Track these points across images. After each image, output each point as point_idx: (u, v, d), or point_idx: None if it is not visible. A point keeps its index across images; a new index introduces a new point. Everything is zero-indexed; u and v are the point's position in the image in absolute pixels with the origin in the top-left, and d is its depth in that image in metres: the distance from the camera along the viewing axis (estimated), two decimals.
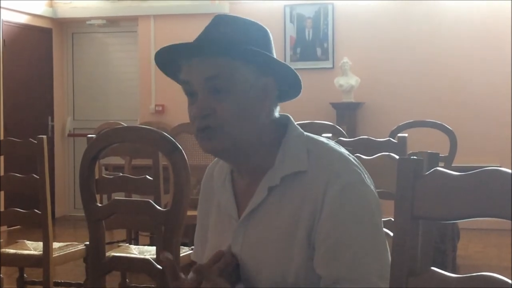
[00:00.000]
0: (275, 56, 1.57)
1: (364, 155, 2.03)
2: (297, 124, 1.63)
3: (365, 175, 1.54)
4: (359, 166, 1.54)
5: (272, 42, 1.60)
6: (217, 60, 1.49)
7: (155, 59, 1.58)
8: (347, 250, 1.45)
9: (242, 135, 1.51)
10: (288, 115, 1.62)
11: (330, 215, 1.47)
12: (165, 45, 1.53)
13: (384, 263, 1.45)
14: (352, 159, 1.55)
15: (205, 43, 1.52)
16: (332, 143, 1.58)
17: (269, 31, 1.60)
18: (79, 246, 3.99)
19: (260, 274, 1.53)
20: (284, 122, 1.59)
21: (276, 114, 1.58)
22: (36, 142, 3.53)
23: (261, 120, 1.53)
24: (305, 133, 1.60)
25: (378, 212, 1.51)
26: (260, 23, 1.60)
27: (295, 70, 1.58)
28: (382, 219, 1.55)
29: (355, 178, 1.50)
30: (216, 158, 1.68)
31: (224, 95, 1.49)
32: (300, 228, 1.49)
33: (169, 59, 1.56)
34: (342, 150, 1.57)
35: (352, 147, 1.89)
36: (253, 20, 1.60)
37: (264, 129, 1.55)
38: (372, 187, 1.53)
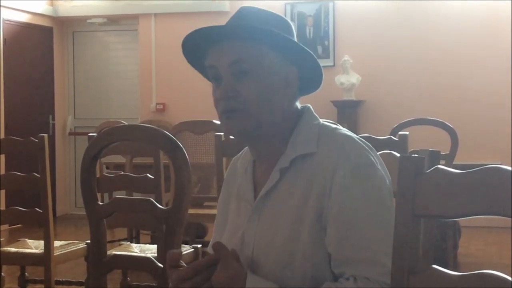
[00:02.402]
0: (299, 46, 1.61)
1: None
2: None
3: (377, 160, 1.55)
4: (370, 151, 1.56)
5: (295, 34, 1.64)
6: (243, 45, 1.54)
7: (182, 45, 1.61)
8: (355, 230, 1.47)
9: (263, 118, 1.55)
10: (309, 106, 1.67)
11: (339, 195, 1.49)
12: (192, 31, 1.58)
13: (390, 244, 1.46)
14: (364, 144, 1.57)
15: (233, 27, 1.56)
16: (346, 130, 1.61)
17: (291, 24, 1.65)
18: (80, 244, 4.00)
19: (269, 257, 1.55)
20: (302, 112, 1.63)
21: (298, 105, 1.64)
22: (37, 140, 3.53)
23: (283, 107, 1.58)
24: (323, 121, 1.63)
25: (389, 194, 1.53)
26: (282, 16, 1.65)
27: (318, 62, 1.63)
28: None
29: (364, 160, 1.52)
30: (242, 150, 1.74)
31: (249, 79, 1.54)
32: (309, 209, 1.51)
33: (195, 45, 1.60)
34: (355, 136, 1.60)
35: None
36: (276, 13, 1.64)
37: (284, 116, 1.59)
38: (383, 171, 1.55)
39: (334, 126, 1.62)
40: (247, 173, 1.67)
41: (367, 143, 1.59)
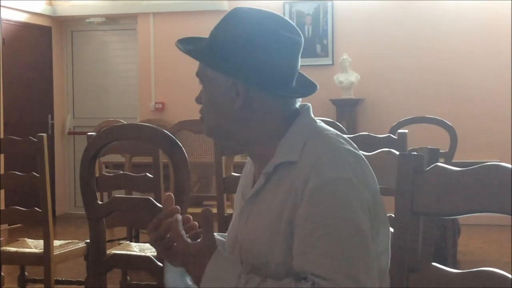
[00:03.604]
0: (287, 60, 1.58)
1: (364, 151, 2.03)
2: None
3: (359, 173, 1.49)
4: (352, 163, 1.50)
5: (280, 42, 1.57)
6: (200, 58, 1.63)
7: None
8: (316, 245, 1.42)
9: (215, 125, 1.63)
10: (309, 105, 1.65)
11: (305, 208, 1.46)
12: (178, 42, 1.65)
13: (356, 264, 1.41)
14: (350, 154, 1.52)
15: (180, 46, 1.63)
16: (338, 138, 1.56)
17: (280, 30, 1.58)
18: (79, 244, 4.00)
19: (250, 258, 1.56)
20: (298, 113, 1.61)
21: (293, 104, 1.62)
22: (36, 140, 3.53)
23: (243, 114, 1.58)
24: (319, 124, 1.60)
25: (362, 212, 1.45)
26: (270, 21, 1.58)
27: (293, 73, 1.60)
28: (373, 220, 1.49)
29: (338, 175, 1.46)
30: None
31: (204, 88, 1.64)
32: (284, 218, 1.50)
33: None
34: (346, 146, 1.54)
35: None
36: (280, 17, 1.61)
37: (263, 122, 1.59)
38: (363, 186, 1.48)
39: (326, 132, 1.57)
40: (250, 172, 1.70)
41: (355, 151, 1.54)
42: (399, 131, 3.27)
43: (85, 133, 5.00)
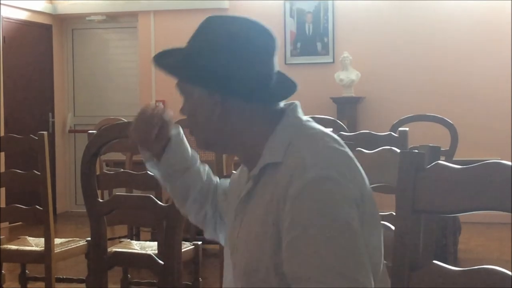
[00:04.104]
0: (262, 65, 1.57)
1: (365, 149, 2.03)
2: None
3: (343, 172, 1.45)
4: (341, 162, 1.47)
5: (252, 47, 1.56)
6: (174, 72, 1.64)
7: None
8: (303, 248, 1.39)
9: (203, 137, 1.64)
10: (295, 103, 1.61)
11: (289, 212, 1.43)
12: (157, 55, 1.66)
13: (347, 262, 1.38)
14: (337, 155, 1.49)
15: (156, 62, 1.63)
16: (324, 137, 1.53)
17: (252, 35, 1.57)
18: (80, 242, 4.00)
19: (241, 263, 1.55)
20: (283, 113, 1.58)
21: (276, 106, 1.59)
22: (37, 138, 3.53)
23: (224, 124, 1.58)
24: (304, 123, 1.57)
25: (349, 208, 1.42)
26: (240, 28, 1.57)
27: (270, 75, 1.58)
28: (364, 215, 1.46)
29: (321, 174, 1.42)
30: None
31: (185, 101, 1.65)
32: (270, 220, 1.48)
33: None
34: (332, 144, 1.51)
35: (353, 142, 1.89)
36: (251, 22, 1.59)
37: (246, 128, 1.58)
38: (348, 183, 1.44)
39: (311, 131, 1.54)
40: (242, 176, 1.69)
41: (341, 149, 1.50)
42: (400, 129, 3.27)
43: (85, 131, 5.00)
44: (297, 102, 1.62)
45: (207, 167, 1.86)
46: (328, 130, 1.58)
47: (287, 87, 1.62)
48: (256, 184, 1.56)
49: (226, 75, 1.54)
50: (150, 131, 1.74)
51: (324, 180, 1.42)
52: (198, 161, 1.83)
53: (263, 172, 1.54)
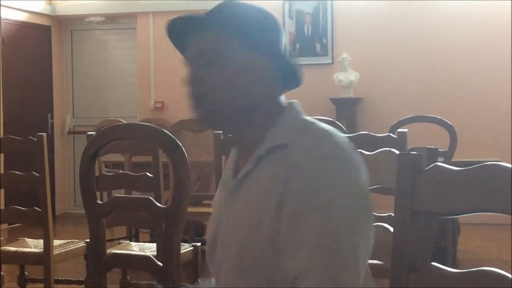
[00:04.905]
0: (282, 46, 1.60)
1: (364, 150, 2.03)
2: None
3: (353, 156, 1.47)
4: (351, 148, 1.49)
5: (280, 31, 1.63)
6: (207, 35, 1.59)
7: (169, 37, 1.71)
8: (308, 239, 1.38)
9: (224, 106, 1.55)
10: (296, 101, 1.63)
11: (297, 181, 1.42)
12: (168, 24, 1.66)
13: (353, 254, 1.37)
14: (347, 142, 1.50)
15: (192, 16, 1.61)
16: (330, 128, 1.53)
17: (279, 21, 1.64)
18: (79, 243, 3.99)
19: (231, 252, 1.52)
20: (287, 107, 1.60)
21: (281, 97, 1.60)
22: (36, 139, 3.53)
23: (251, 95, 1.56)
24: (310, 118, 1.59)
25: (358, 178, 1.43)
26: (270, 14, 1.64)
27: (291, 59, 1.60)
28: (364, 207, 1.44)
29: (334, 152, 1.44)
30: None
31: (211, 68, 1.56)
32: (273, 194, 1.46)
33: (177, 38, 1.72)
34: (337, 133, 1.52)
35: (352, 143, 1.88)
36: (264, 9, 1.64)
37: (259, 106, 1.57)
38: (358, 167, 1.45)
39: (318, 123, 1.55)
40: (231, 162, 1.66)
41: (347, 142, 1.51)
42: (399, 130, 3.27)
43: (84, 133, 4.99)
44: (296, 101, 1.63)
45: None
46: None
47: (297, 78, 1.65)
48: (257, 165, 1.54)
49: (268, 41, 1.58)
50: None
51: (339, 157, 1.43)
52: None
53: (268, 153, 1.52)
